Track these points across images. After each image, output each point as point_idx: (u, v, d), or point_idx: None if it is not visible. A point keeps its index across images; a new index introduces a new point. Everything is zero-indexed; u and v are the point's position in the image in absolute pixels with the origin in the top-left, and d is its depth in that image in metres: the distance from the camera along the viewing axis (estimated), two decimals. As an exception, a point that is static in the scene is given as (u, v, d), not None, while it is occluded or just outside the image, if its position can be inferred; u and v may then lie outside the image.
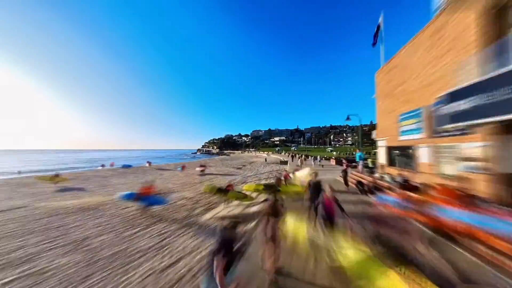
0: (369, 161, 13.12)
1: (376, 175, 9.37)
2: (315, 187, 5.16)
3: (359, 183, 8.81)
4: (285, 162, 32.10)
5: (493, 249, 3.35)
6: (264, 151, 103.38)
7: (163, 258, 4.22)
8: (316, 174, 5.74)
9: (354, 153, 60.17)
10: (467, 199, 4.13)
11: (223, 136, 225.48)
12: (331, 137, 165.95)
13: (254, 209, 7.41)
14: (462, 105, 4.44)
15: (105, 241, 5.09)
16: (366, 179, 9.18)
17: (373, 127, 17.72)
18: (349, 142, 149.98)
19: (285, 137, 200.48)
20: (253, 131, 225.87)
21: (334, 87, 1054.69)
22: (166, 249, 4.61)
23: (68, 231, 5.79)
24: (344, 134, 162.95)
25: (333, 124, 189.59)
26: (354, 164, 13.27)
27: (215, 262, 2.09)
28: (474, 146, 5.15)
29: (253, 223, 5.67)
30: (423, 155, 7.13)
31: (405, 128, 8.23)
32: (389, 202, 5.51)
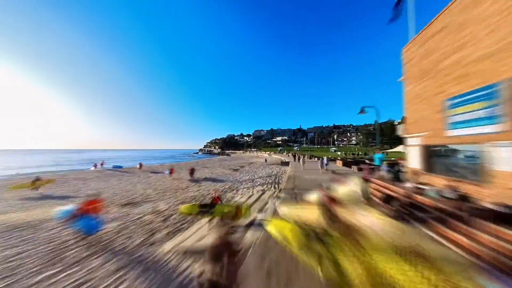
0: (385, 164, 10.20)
1: (408, 185, 6.44)
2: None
3: (388, 198, 6.12)
4: (287, 163, 29.51)
5: None
6: (265, 151, 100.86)
7: None
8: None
9: (360, 153, 56.27)
10: None
11: (225, 136, 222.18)
12: (335, 136, 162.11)
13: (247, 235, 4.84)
14: None
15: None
16: (397, 191, 6.34)
17: (379, 125, 14.90)
18: (354, 142, 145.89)
19: (288, 137, 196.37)
20: (255, 131, 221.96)
21: (338, 86, 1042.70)
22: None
23: None
24: (348, 134, 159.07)
25: (336, 124, 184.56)
26: (372, 167, 10.39)
27: None
28: None
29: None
30: (502, 158, 4.43)
31: (460, 118, 5.52)
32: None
